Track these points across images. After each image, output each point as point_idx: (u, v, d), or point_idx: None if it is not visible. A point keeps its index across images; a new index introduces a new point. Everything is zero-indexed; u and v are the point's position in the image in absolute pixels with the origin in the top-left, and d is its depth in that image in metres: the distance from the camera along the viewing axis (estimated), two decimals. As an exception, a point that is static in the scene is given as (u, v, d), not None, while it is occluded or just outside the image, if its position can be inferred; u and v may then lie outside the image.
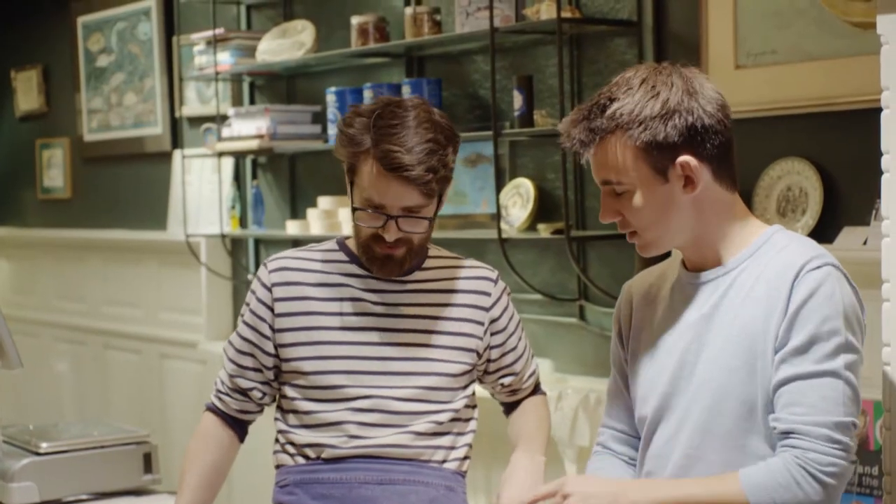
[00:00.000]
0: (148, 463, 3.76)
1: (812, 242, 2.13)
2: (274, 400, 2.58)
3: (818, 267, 2.02)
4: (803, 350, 1.98)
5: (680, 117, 2.04)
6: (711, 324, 2.09)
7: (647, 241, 2.13)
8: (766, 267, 2.07)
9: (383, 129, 2.34)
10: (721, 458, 2.05)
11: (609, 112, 2.05)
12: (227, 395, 2.56)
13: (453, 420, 2.48)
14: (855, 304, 2.04)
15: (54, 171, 6.98)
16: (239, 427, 2.60)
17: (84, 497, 3.66)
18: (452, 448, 2.48)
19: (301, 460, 2.47)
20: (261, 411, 2.60)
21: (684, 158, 2.05)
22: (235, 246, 5.60)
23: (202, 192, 5.68)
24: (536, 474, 2.44)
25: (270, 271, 2.51)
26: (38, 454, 3.63)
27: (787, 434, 1.98)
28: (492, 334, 2.52)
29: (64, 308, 6.82)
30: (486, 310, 2.51)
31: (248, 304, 2.53)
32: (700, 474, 2.06)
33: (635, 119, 2.04)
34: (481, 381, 2.60)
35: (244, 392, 2.54)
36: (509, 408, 2.65)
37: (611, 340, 2.34)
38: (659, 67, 2.12)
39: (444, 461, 2.47)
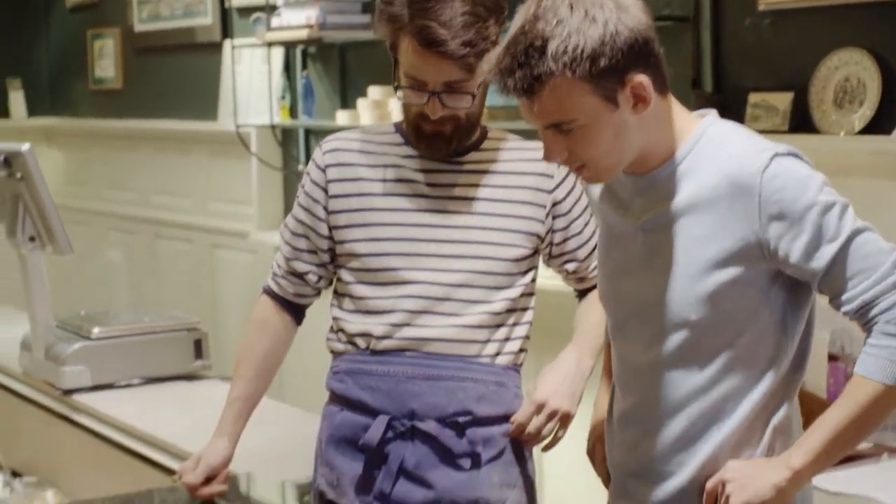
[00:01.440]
0: (198, 349, 3.80)
1: (747, 132, 2.03)
2: (330, 283, 2.56)
3: (770, 160, 1.92)
4: (816, 239, 1.91)
5: (621, 37, 1.89)
6: (660, 233, 2.01)
7: (598, 172, 1.99)
8: (711, 169, 1.97)
9: (419, 4, 2.28)
10: (676, 369, 2.01)
11: (551, 52, 1.87)
12: (283, 278, 2.55)
13: (508, 311, 2.42)
14: (816, 171, 1.96)
15: (105, 61, 6.98)
16: (295, 311, 2.58)
17: (135, 381, 3.71)
18: (507, 340, 2.43)
19: (352, 349, 2.47)
20: (317, 294, 2.58)
21: (636, 79, 1.91)
22: (286, 136, 5.59)
23: (252, 82, 5.66)
24: (578, 378, 2.40)
25: (325, 153, 2.48)
26: (89, 339, 3.67)
27: (862, 309, 1.92)
28: (554, 217, 2.46)
29: (115, 198, 6.86)
30: (549, 192, 2.45)
31: (302, 186, 2.51)
32: (669, 384, 2.01)
33: (581, 53, 1.87)
34: (547, 265, 2.56)
35: (300, 275, 2.53)
36: (580, 295, 2.61)
37: None
38: None
39: (496, 354, 2.42)
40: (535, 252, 2.46)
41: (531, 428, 2.36)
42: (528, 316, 2.47)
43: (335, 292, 2.51)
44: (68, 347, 3.63)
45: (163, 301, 6.25)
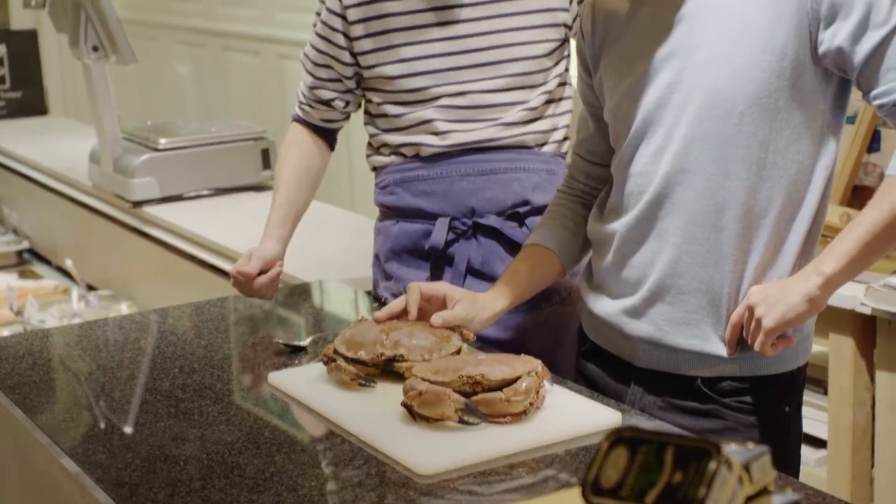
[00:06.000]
0: (266, 159, 3.77)
1: None
2: (358, 107, 2.51)
3: None
4: (864, 22, 1.80)
5: None
6: (699, 22, 1.89)
7: None
8: None
9: None
10: (712, 167, 1.88)
11: None
12: (310, 105, 2.50)
13: (547, 102, 2.39)
14: None
15: None
16: (327, 135, 2.55)
17: (204, 192, 3.69)
18: (551, 131, 2.41)
19: (398, 159, 2.43)
20: (346, 118, 2.54)
21: None
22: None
23: None
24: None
25: None
26: (157, 150, 3.64)
27: None
28: (579, 2, 2.39)
29: (181, 9, 6.77)
30: None
31: (318, 15, 2.42)
32: (690, 186, 1.89)
33: None
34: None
35: (325, 102, 2.47)
36: None
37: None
38: None
39: (542, 145, 2.41)
40: (565, 41, 2.41)
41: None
42: (567, 105, 2.45)
43: (367, 112, 2.46)
44: (136, 159, 3.61)
45: (232, 113, 6.21)
